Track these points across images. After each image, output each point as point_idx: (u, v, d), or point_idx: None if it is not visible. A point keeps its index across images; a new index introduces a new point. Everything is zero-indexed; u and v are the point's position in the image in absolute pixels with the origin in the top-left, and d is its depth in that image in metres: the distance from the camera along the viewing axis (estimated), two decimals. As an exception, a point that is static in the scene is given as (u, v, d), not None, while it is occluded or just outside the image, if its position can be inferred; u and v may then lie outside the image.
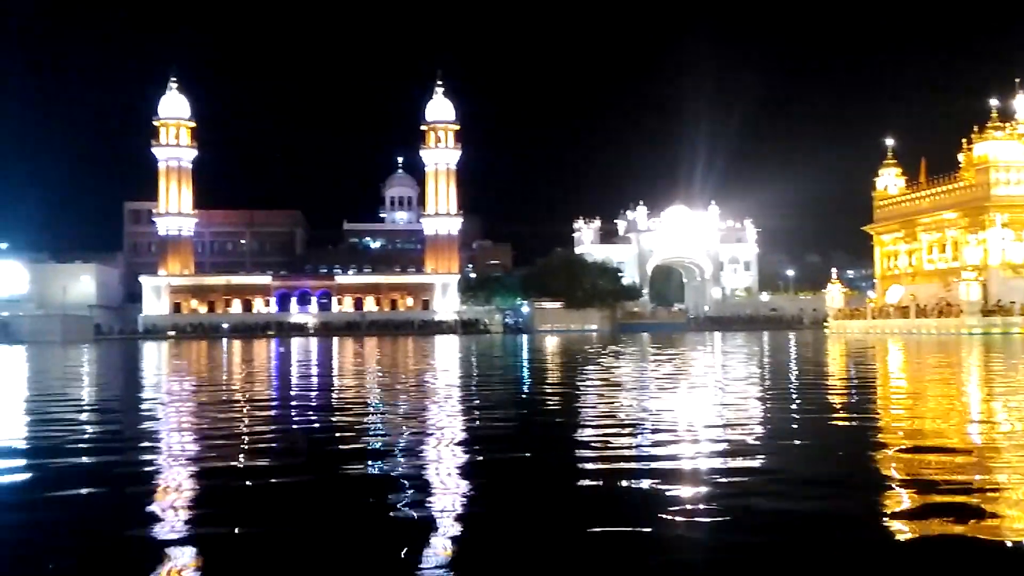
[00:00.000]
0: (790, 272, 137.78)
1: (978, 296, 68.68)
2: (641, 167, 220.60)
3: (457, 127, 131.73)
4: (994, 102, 73.92)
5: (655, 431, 9.25)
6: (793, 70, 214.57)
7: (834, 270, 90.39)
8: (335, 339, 77.65)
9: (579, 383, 17.46)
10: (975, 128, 74.54)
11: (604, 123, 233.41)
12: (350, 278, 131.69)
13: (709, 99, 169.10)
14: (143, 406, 13.83)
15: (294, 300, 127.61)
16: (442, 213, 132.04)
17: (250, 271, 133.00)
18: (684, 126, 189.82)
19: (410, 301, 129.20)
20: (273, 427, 10.70)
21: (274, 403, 14.28)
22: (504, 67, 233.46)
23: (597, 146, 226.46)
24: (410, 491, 6.18)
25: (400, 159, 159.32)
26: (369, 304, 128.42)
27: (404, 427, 10.15)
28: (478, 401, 13.86)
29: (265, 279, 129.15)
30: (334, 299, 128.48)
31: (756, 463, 7.21)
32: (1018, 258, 71.91)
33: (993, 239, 72.53)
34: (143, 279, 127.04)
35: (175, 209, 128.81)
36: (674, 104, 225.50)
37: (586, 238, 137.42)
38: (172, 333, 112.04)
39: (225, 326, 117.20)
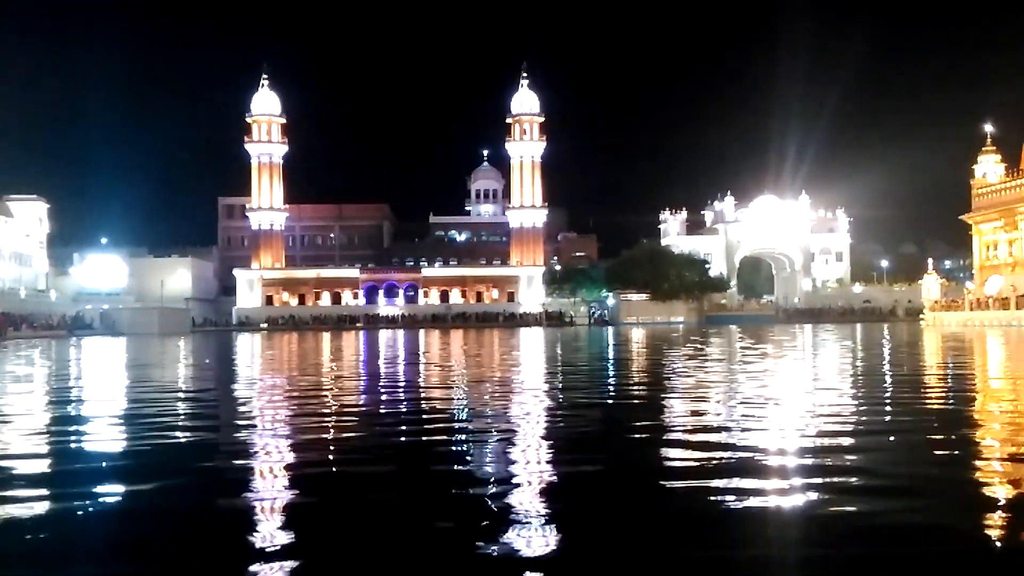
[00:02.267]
0: (884, 263, 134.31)
1: (1083, 287, 65.95)
2: (729, 156, 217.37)
3: (542, 119, 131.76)
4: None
5: (744, 431, 9.07)
6: (887, 54, 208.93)
7: (930, 260, 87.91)
8: (421, 331, 78.39)
9: (666, 380, 17.25)
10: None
11: (691, 112, 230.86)
12: (436, 271, 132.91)
13: (800, 86, 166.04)
14: (239, 396, 14.14)
15: (381, 292, 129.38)
16: (527, 205, 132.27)
17: (339, 264, 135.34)
18: (774, 114, 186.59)
19: (495, 293, 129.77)
20: (360, 419, 10.82)
21: (363, 397, 14.45)
22: (589, 57, 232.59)
23: (683, 135, 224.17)
24: (486, 497, 6.16)
25: (485, 152, 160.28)
26: (455, 296, 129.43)
27: (486, 424, 10.14)
28: (562, 398, 13.79)
29: (353, 272, 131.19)
30: (420, 291, 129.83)
31: (851, 466, 7.01)
32: None
33: (1099, 227, 69.53)
34: (237, 272, 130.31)
35: (267, 204, 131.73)
36: (764, 92, 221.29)
37: (672, 229, 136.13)
38: (264, 325, 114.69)
39: (316, 318, 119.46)
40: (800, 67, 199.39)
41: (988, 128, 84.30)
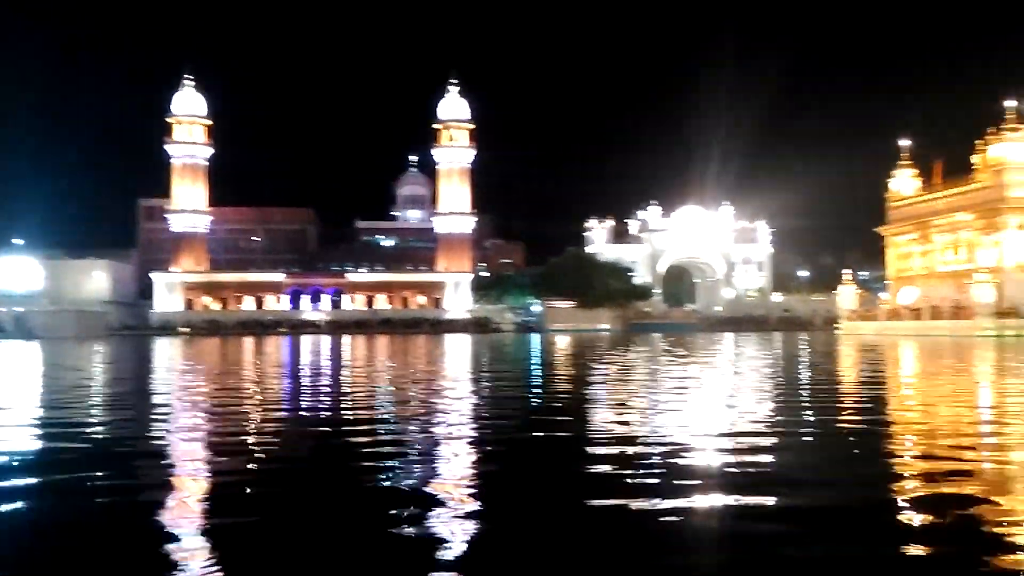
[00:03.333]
0: (803, 273, 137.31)
1: (992, 298, 68.34)
2: (654, 167, 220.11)
3: (471, 126, 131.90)
4: (1010, 103, 73.47)
5: (664, 434, 9.22)
6: (808, 71, 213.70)
7: (847, 271, 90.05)
8: (346, 337, 77.74)
9: (589, 386, 17.41)
10: (990, 129, 74.14)
11: (618, 123, 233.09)
12: (362, 276, 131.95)
13: (723, 99, 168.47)
14: (156, 401, 13.88)
15: (306, 297, 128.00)
16: (455, 212, 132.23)
17: (262, 268, 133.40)
18: (698, 126, 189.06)
19: (422, 299, 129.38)
20: (278, 425, 10.71)
21: (283, 401, 14.30)
22: (519, 66, 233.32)
23: (611, 146, 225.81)
24: (410, 498, 6.17)
25: (414, 158, 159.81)
26: (381, 302, 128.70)
27: (409, 429, 10.13)
28: (485, 403, 13.83)
29: (277, 276, 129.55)
30: (345, 297, 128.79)
31: (766, 465, 7.18)
32: (1033, 260, 71.48)
33: (1008, 241, 72.12)
34: (156, 276, 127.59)
35: (189, 206, 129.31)
36: (688, 104, 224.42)
37: (598, 237, 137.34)
38: (185, 329, 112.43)
39: (238, 323, 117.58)
40: (724, 80, 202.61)
41: (904, 143, 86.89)
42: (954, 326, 68.66)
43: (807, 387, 16.66)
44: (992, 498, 5.82)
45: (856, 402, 13.46)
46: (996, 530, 5.01)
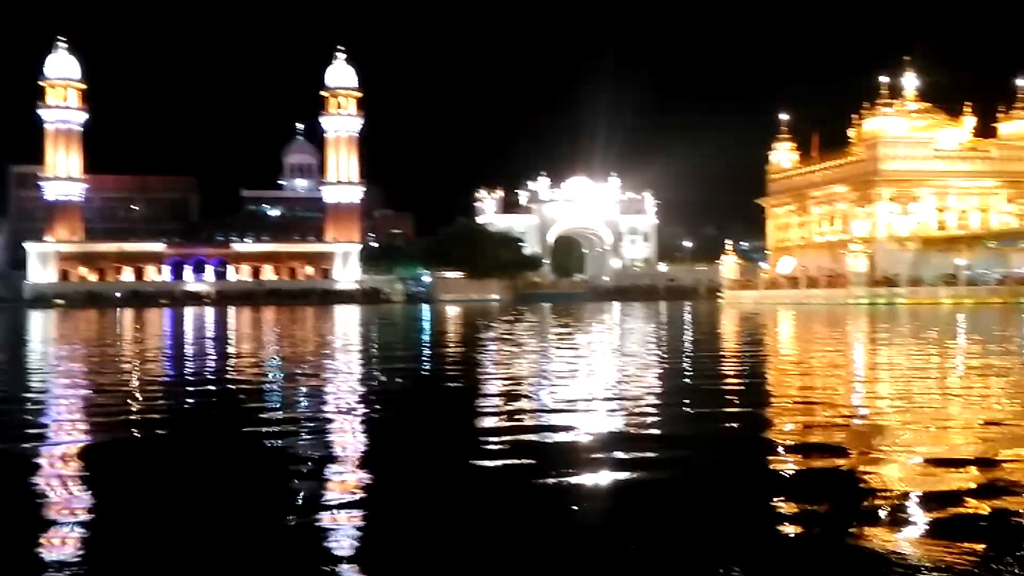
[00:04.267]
0: (687, 243, 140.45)
1: (865, 268, 71.18)
2: (543, 138, 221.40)
3: (359, 94, 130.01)
4: (884, 79, 76.38)
5: (552, 398, 9.38)
6: (692, 46, 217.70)
7: (729, 242, 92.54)
8: (231, 309, 76.14)
9: (479, 353, 17.54)
10: (865, 104, 76.97)
11: (507, 93, 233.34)
12: (247, 246, 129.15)
13: (610, 73, 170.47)
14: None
15: (189, 268, 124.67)
16: (343, 181, 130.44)
17: (142, 238, 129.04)
18: (585, 99, 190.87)
19: (310, 270, 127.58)
20: (162, 399, 10.50)
21: (164, 375, 13.99)
22: (409, 34, 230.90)
23: (500, 116, 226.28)
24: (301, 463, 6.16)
25: (301, 126, 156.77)
26: (267, 273, 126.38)
27: (297, 399, 10.06)
28: (372, 372, 13.82)
29: (158, 246, 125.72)
30: (230, 268, 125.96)
31: (648, 431, 7.39)
32: (904, 231, 74.72)
33: (880, 212, 75.18)
34: (29, 245, 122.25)
35: (63, 173, 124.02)
36: (576, 77, 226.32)
37: (488, 208, 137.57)
38: (60, 301, 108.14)
39: (117, 295, 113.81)
40: (612, 53, 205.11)
41: (783, 117, 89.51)
42: (829, 295, 71.42)
43: (684, 354, 17.14)
44: (854, 453, 6.14)
45: (727, 366, 13.93)
46: (858, 485, 5.29)
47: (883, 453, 6.26)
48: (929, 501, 4.84)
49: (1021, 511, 4.61)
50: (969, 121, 77.79)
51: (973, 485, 5.24)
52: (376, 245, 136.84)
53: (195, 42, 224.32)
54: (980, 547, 3.97)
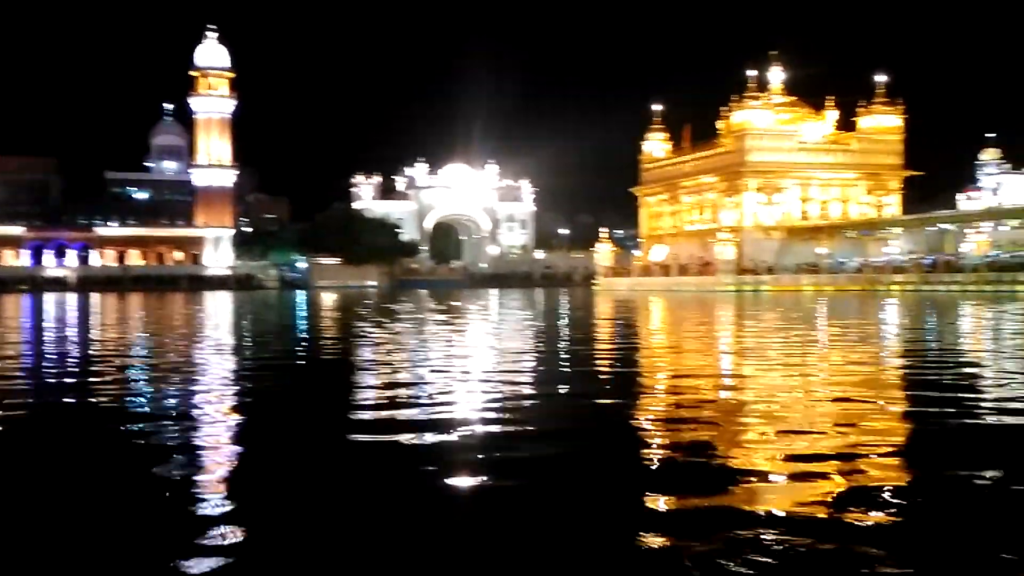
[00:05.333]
0: (564, 231, 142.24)
1: (733, 256, 73.46)
2: (421, 124, 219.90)
3: (231, 74, 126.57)
4: (751, 73, 78.81)
5: (426, 384, 9.36)
6: (569, 36, 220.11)
7: (604, 229, 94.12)
8: (95, 295, 73.24)
9: (354, 341, 17.37)
10: (734, 97, 79.31)
11: (384, 78, 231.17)
12: (112, 230, 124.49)
13: (487, 61, 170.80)
14: None
15: (49, 253, 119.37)
16: (214, 164, 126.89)
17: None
18: (463, 86, 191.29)
19: (179, 255, 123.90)
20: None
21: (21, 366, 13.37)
22: (283, 15, 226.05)
23: (377, 101, 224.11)
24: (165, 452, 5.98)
25: (169, 106, 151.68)
26: (134, 258, 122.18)
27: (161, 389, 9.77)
28: (245, 358, 13.53)
29: (16, 230, 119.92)
30: (94, 253, 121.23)
31: (515, 413, 7.45)
32: (769, 221, 77.44)
33: (747, 202, 77.70)
34: None
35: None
36: (453, 64, 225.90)
37: (365, 194, 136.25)
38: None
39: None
40: (490, 41, 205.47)
41: (656, 108, 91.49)
42: (699, 282, 73.49)
43: (559, 339, 17.37)
44: (716, 425, 6.33)
45: (599, 349, 14.20)
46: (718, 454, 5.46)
47: (745, 427, 6.48)
48: (791, 477, 5.04)
49: (864, 472, 4.85)
50: (831, 115, 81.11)
51: (826, 454, 5.49)
52: (249, 230, 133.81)
53: (57, 16, 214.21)
54: (833, 511, 4.16)
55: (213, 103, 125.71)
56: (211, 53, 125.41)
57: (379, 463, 5.63)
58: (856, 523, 4.09)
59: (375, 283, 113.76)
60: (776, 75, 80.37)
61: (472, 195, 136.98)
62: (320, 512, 4.53)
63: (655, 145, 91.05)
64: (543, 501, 4.68)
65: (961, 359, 12.51)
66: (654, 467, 5.49)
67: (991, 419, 7.04)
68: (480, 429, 6.62)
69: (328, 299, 52.72)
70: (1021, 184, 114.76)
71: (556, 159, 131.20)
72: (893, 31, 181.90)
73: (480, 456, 5.71)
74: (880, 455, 5.66)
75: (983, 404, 7.86)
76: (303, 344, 17.09)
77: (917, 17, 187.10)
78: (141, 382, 10.39)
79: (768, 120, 77.85)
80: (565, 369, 11.44)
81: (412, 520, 4.37)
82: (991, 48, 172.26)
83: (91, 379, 10.52)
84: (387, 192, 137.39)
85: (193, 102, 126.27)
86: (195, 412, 7.75)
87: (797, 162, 77.85)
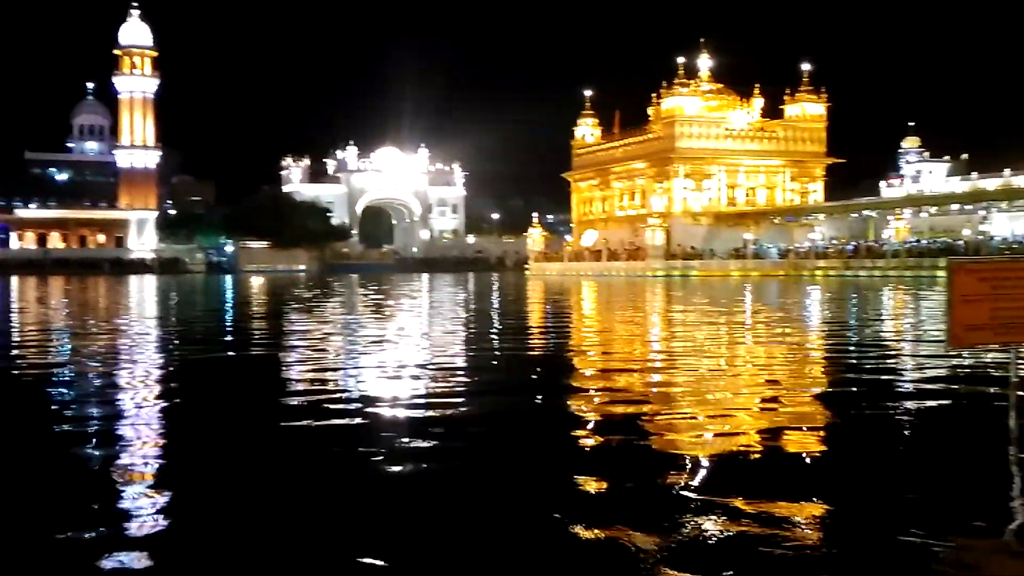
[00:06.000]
0: (495, 215, 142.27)
1: (662, 241, 74.28)
2: (352, 107, 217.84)
3: (155, 53, 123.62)
4: (681, 60, 79.58)
5: (362, 366, 9.40)
6: (500, 20, 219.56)
7: (535, 214, 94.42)
8: (13, 279, 71.25)
9: (282, 325, 17.28)
10: (663, 84, 79.98)
11: (314, 60, 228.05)
12: (32, 212, 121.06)
13: (419, 44, 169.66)
14: None
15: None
16: (138, 145, 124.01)
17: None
18: (394, 69, 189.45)
19: (102, 238, 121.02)
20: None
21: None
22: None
23: (307, 83, 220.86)
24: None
25: (91, 85, 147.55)
26: (55, 241, 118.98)
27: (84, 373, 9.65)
28: (168, 343, 13.39)
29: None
30: (13, 235, 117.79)
31: (453, 391, 7.55)
32: (697, 207, 78.42)
33: (676, 189, 78.57)
34: None
35: None
36: (384, 46, 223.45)
37: (295, 176, 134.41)
38: None
39: None
40: (421, 25, 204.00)
41: (587, 93, 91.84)
42: (629, 267, 74.23)
43: (489, 323, 17.50)
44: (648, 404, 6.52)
45: (529, 332, 14.36)
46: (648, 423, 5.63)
47: (672, 407, 6.68)
48: (719, 460, 5.23)
49: (784, 448, 5.07)
50: (758, 103, 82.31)
51: (750, 432, 5.70)
52: (174, 213, 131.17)
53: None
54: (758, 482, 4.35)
55: (137, 82, 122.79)
56: (135, 31, 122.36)
57: (308, 448, 5.68)
58: (779, 501, 4.29)
59: (305, 267, 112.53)
60: (705, 63, 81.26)
61: (403, 179, 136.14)
62: (247, 497, 4.58)
63: (586, 131, 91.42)
64: (473, 484, 4.79)
65: (873, 343, 12.95)
66: (583, 448, 5.65)
67: (909, 402, 7.36)
68: (407, 413, 6.71)
69: (256, 283, 52.11)
70: (940, 172, 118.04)
71: (488, 143, 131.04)
72: (818, 21, 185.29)
73: (408, 440, 5.80)
74: (800, 431, 5.90)
75: (899, 383, 8.20)
76: (229, 329, 16.95)
77: (842, 7, 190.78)
78: (61, 369, 10.24)
79: (697, 107, 78.72)
80: (494, 352, 11.58)
81: (340, 504, 4.45)
82: (913, 39, 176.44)
83: (5, 366, 10.34)
84: (317, 175, 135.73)
85: (117, 81, 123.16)
86: (115, 400, 7.70)
87: (725, 149, 78.91)
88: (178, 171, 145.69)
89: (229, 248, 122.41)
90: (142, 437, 5.99)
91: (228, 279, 68.24)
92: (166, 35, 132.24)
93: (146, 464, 5.21)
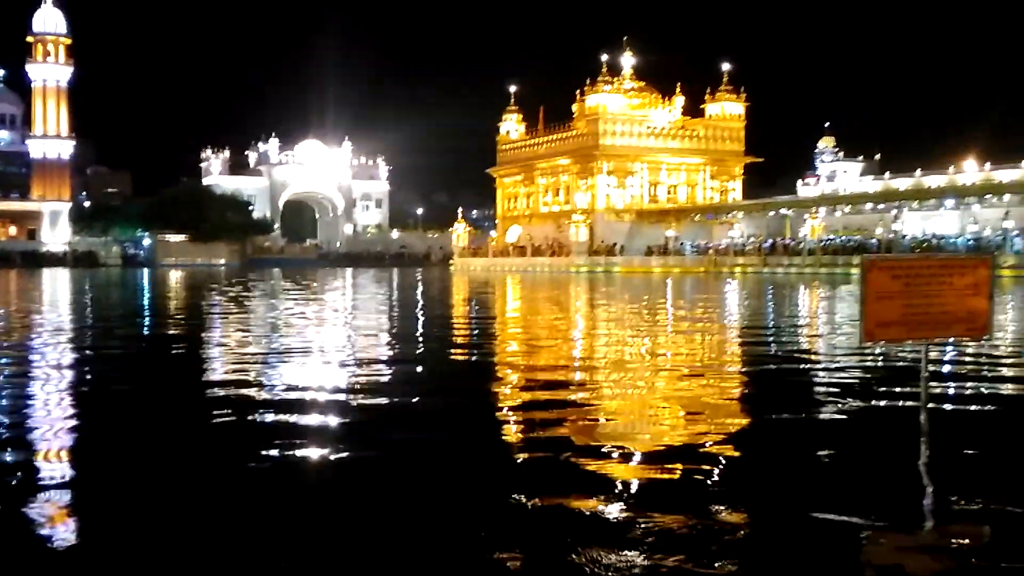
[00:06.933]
0: (420, 210, 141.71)
1: (585, 237, 74.97)
2: (274, 99, 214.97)
3: (69, 40, 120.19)
4: (604, 57, 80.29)
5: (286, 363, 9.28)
6: (425, 13, 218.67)
7: (460, 210, 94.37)
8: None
9: (198, 321, 16.97)
10: (588, 81, 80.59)
11: (235, 50, 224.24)
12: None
13: (343, 37, 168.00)
14: None
15: None
16: (51, 135, 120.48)
17: None
18: (317, 61, 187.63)
19: (13, 230, 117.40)
20: None
21: None
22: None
23: (227, 74, 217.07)
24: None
25: (2, 72, 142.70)
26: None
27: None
28: (82, 339, 13.06)
29: None
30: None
31: (378, 387, 7.50)
32: (620, 204, 79.22)
33: (600, 185, 79.28)
34: None
35: None
36: (307, 38, 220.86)
37: (215, 168, 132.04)
38: None
39: None
40: (346, 21, 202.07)
41: (512, 89, 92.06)
42: (553, 262, 74.75)
43: (413, 317, 17.44)
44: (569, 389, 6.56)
45: (453, 326, 14.35)
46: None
47: (597, 397, 6.74)
48: (641, 456, 5.29)
49: (708, 432, 5.15)
50: (680, 101, 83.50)
51: (678, 420, 5.78)
52: (89, 205, 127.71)
53: None
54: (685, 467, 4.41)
55: (50, 70, 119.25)
56: (49, 18, 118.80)
57: (227, 443, 5.60)
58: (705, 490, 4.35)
59: (225, 261, 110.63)
60: (628, 60, 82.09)
61: (326, 173, 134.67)
62: (166, 493, 4.50)
63: (511, 126, 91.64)
64: (395, 482, 4.77)
65: (789, 339, 13.23)
66: (505, 447, 5.66)
67: (821, 398, 7.54)
68: (330, 409, 6.65)
69: (174, 277, 51.11)
70: (854, 172, 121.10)
71: (412, 138, 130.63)
72: (738, 21, 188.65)
73: (332, 437, 5.75)
74: (715, 433, 6.00)
75: (814, 372, 8.39)
76: (145, 324, 16.60)
77: (761, 9, 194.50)
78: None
79: (620, 105, 79.48)
80: (417, 348, 11.54)
81: (262, 500, 4.39)
82: (829, 41, 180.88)
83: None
84: (238, 168, 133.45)
85: (30, 69, 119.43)
86: (26, 397, 7.49)
87: (647, 147, 79.86)
88: (93, 162, 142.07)
89: (146, 241, 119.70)
90: (46, 437, 5.82)
91: (145, 273, 66.79)
92: (81, 22, 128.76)
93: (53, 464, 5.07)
